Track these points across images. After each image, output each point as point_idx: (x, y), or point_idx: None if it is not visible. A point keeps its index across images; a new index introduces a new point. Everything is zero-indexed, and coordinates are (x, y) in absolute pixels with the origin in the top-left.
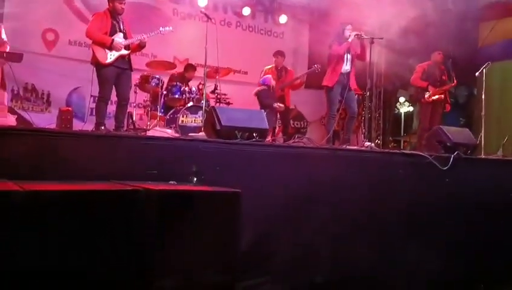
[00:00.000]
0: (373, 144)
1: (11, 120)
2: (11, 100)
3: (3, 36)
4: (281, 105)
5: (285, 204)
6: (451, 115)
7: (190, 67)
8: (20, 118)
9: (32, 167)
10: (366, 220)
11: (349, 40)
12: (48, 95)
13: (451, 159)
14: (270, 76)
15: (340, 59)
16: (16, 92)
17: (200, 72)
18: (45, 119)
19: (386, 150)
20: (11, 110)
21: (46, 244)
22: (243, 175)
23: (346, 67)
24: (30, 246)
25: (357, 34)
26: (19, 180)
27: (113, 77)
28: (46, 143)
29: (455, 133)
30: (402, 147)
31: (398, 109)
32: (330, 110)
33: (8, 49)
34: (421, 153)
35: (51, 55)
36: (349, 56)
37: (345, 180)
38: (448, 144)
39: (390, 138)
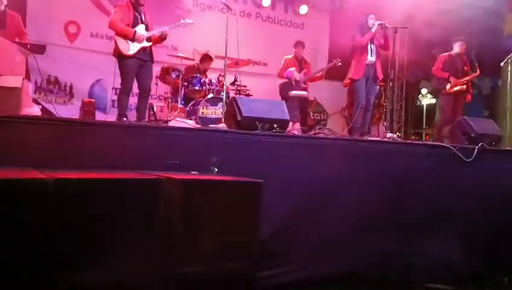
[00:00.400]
0: (395, 135)
1: (36, 110)
2: (35, 92)
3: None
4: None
5: (306, 194)
6: (475, 107)
7: (206, 57)
8: (44, 110)
9: (56, 156)
10: (387, 211)
11: (373, 29)
12: (71, 87)
13: (476, 150)
14: (293, 69)
15: (364, 50)
16: (39, 84)
17: (220, 63)
18: (68, 111)
19: (409, 141)
20: (35, 102)
21: (74, 231)
22: (264, 166)
23: (371, 58)
24: (58, 233)
25: (380, 24)
26: (43, 169)
27: (135, 69)
28: (69, 132)
29: (479, 124)
30: (424, 140)
31: (420, 100)
32: (357, 102)
33: (28, 40)
34: (444, 144)
35: (73, 47)
36: (373, 46)
37: (367, 171)
38: (472, 135)
39: (411, 131)
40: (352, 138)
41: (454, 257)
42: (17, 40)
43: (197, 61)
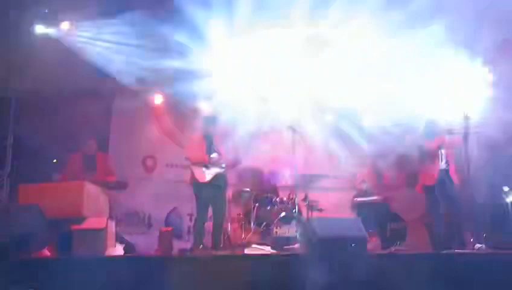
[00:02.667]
0: (484, 245)
1: (119, 249)
2: (116, 225)
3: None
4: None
5: None
6: None
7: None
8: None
9: None
10: None
11: (440, 135)
12: (149, 217)
13: None
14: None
15: (434, 156)
16: (119, 217)
17: (289, 181)
18: (147, 241)
19: (502, 251)
20: (118, 237)
21: None
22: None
23: (443, 164)
24: None
25: (447, 129)
26: None
27: (210, 195)
28: (150, 268)
29: None
30: None
31: (504, 199)
32: (434, 212)
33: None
34: None
35: (151, 179)
36: (443, 152)
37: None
38: None
39: (500, 233)
40: (435, 253)
41: None
42: (105, 180)
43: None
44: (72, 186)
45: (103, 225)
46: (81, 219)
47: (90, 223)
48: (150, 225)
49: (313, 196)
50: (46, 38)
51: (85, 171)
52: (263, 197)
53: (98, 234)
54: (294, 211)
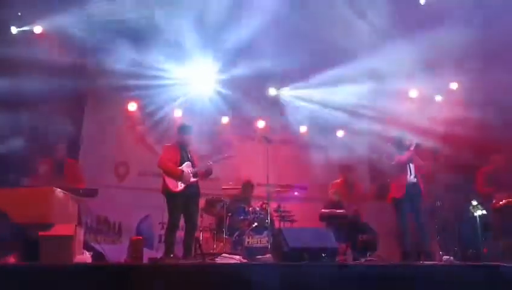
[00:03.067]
0: (452, 257)
1: (87, 257)
2: (85, 233)
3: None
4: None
5: None
6: None
7: (248, 185)
8: (94, 253)
9: None
10: None
11: (412, 148)
12: (119, 226)
13: None
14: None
15: (403, 169)
16: (89, 224)
17: (262, 191)
18: (117, 250)
19: (469, 263)
20: (86, 245)
21: None
22: None
23: (411, 177)
24: None
25: (418, 143)
26: None
27: (183, 204)
28: (117, 275)
29: None
30: (482, 254)
31: (472, 213)
32: (402, 224)
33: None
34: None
35: (122, 187)
36: (411, 165)
37: None
38: None
39: (468, 245)
40: (406, 264)
41: None
42: (74, 186)
43: (240, 190)
44: (40, 192)
45: (71, 232)
46: (48, 226)
47: (58, 229)
48: (120, 233)
49: (285, 206)
50: (19, 40)
51: (55, 176)
52: (236, 207)
53: (66, 241)
54: (266, 221)
